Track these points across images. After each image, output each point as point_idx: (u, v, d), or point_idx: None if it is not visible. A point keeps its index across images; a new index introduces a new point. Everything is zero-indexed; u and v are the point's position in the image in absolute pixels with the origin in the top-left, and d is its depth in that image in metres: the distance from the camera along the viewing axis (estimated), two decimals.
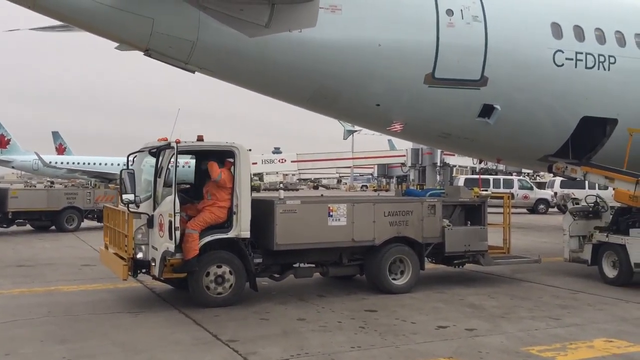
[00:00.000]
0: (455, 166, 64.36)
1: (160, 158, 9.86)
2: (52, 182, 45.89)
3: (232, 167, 10.15)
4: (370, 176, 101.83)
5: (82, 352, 7.45)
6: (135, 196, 9.59)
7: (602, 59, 13.94)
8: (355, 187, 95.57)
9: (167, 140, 9.96)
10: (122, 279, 9.82)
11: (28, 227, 24.04)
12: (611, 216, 12.94)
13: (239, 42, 11.42)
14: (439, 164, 65.06)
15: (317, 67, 12.10)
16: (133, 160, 10.66)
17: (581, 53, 13.74)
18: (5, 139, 65.36)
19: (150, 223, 9.59)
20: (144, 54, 11.59)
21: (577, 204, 13.98)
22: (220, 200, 9.87)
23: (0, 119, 65.88)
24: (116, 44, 12.33)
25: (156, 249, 9.50)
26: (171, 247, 9.26)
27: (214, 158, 10.58)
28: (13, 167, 68.18)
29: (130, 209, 9.64)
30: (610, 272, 12.34)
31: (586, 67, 13.81)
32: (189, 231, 9.48)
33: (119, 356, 7.32)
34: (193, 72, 12.19)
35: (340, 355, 7.37)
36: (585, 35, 13.90)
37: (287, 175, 78.84)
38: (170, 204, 9.34)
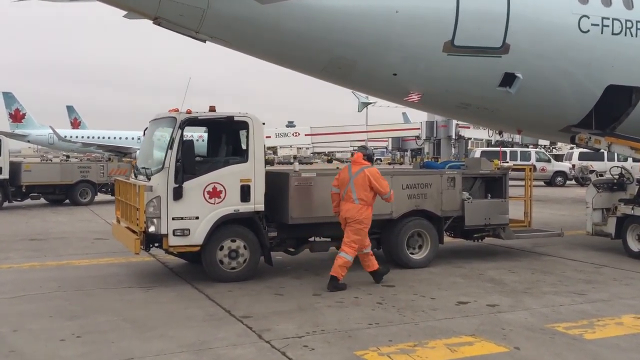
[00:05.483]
0: (470, 139, 63.60)
1: (173, 130, 9.51)
2: (68, 157, 45.91)
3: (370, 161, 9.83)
4: (385, 149, 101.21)
5: (91, 328, 7.26)
6: (144, 168, 9.31)
7: (629, 24, 13.29)
8: None
9: (178, 111, 9.65)
10: (135, 252, 9.58)
11: (42, 200, 24.06)
12: (637, 188, 12.52)
13: (250, 10, 11.00)
14: (454, 137, 64.23)
15: (331, 35, 11.65)
16: (144, 132, 10.38)
17: (607, 19, 13.12)
18: (21, 113, 65.63)
19: (177, 194, 9.25)
20: (154, 23, 11.21)
21: (601, 175, 13.55)
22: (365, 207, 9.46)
23: (15, 94, 66.24)
24: (124, 13, 11.98)
25: (197, 218, 9.29)
26: (243, 207, 9.51)
27: (226, 129, 10.28)
28: (29, 142, 68.44)
29: (142, 182, 9.37)
30: (635, 246, 11.97)
31: (612, 34, 13.19)
32: (344, 255, 9.29)
33: (130, 332, 7.11)
34: (204, 41, 11.80)
35: (357, 332, 7.12)
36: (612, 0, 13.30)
37: (300, 148, 78.61)
38: (240, 169, 9.60)
